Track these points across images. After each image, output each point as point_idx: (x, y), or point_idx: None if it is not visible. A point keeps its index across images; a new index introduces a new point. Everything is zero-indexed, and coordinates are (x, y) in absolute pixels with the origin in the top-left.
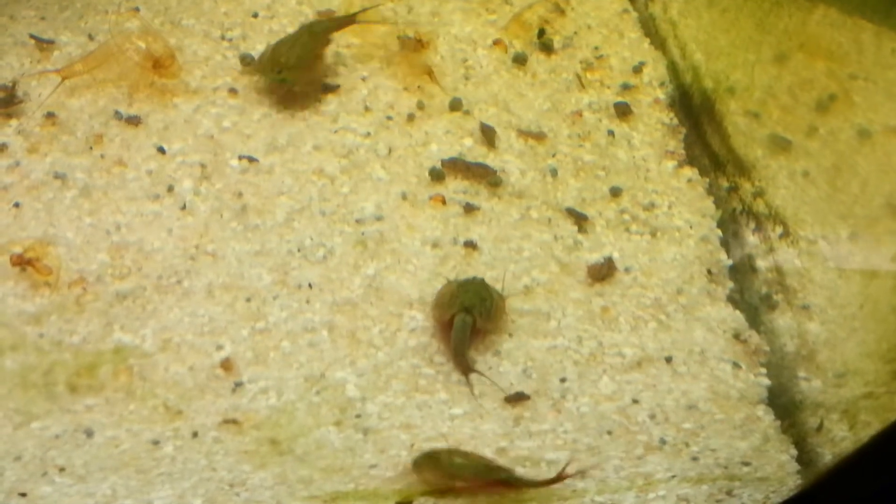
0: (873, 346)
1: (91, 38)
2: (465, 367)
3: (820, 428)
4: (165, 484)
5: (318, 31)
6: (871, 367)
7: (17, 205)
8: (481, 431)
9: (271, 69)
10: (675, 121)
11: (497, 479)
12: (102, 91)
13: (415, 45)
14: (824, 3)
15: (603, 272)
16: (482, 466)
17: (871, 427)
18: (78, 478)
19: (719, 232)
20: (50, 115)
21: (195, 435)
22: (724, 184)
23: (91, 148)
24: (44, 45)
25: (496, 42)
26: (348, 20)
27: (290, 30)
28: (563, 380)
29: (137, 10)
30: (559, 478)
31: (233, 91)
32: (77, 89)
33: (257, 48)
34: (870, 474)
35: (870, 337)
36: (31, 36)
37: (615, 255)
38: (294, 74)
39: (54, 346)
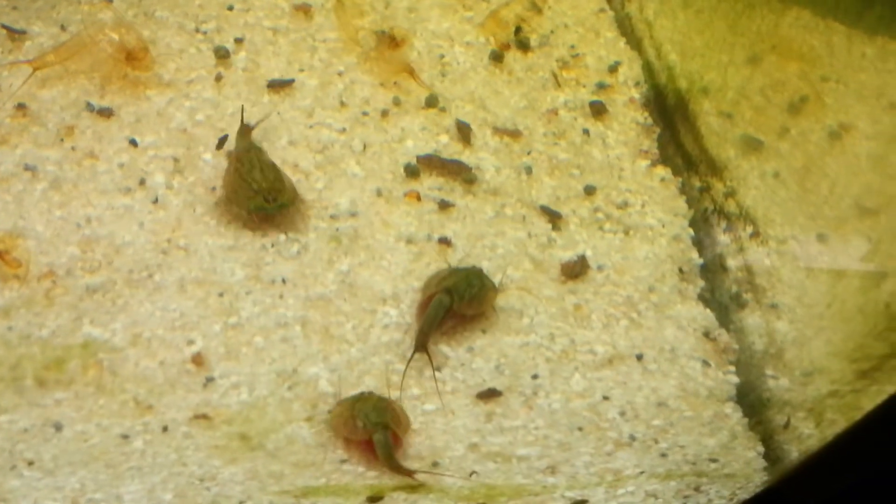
0: (840, 345)
1: (63, 28)
2: (422, 344)
3: (787, 426)
4: (135, 478)
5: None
6: (837, 365)
7: None
8: (453, 427)
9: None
10: (650, 120)
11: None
12: (74, 83)
13: (389, 42)
14: (797, 6)
15: (576, 270)
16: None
17: (836, 425)
18: (47, 472)
19: (691, 231)
20: (21, 107)
21: (165, 430)
22: (697, 183)
23: (62, 140)
24: (15, 35)
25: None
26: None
27: (267, 24)
28: (535, 377)
29: (110, 1)
30: (408, 473)
31: (207, 83)
32: (49, 80)
33: (231, 41)
34: (835, 471)
35: (836, 336)
36: (3, 26)
37: (588, 253)
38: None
39: (23, 339)
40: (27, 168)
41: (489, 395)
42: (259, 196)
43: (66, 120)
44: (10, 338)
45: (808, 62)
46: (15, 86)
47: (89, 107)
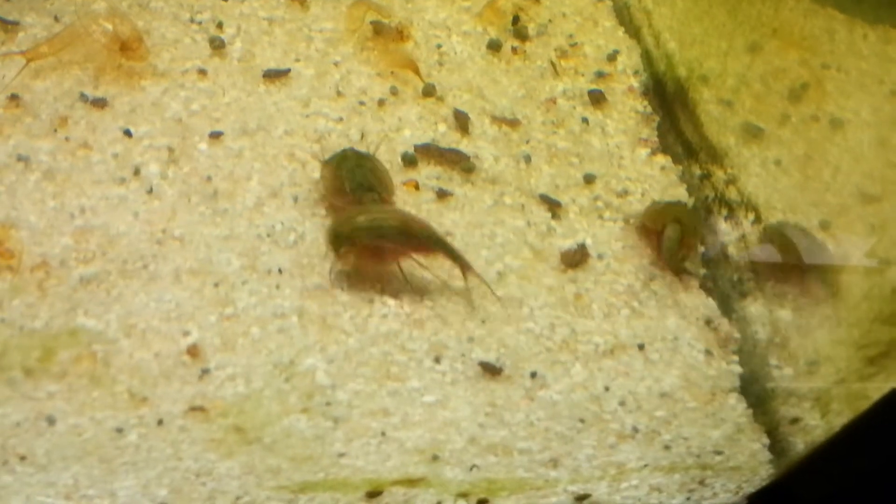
0: (845, 333)
1: (57, 19)
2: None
3: (796, 422)
4: (129, 473)
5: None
6: (843, 354)
7: None
8: (454, 418)
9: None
10: (649, 109)
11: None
12: (68, 73)
13: (395, 34)
14: None
15: (576, 258)
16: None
17: (843, 416)
18: (39, 467)
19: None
20: (14, 97)
21: (160, 423)
22: (697, 171)
23: (55, 130)
24: (8, 26)
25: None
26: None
27: (262, 14)
28: (535, 368)
29: None
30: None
31: (202, 73)
32: (42, 71)
33: (227, 31)
34: (842, 463)
35: (841, 324)
36: None
37: (588, 242)
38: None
39: (16, 330)
40: (20, 159)
41: (491, 370)
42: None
43: (60, 111)
44: (2, 329)
45: (809, 49)
46: (8, 77)
47: (83, 97)
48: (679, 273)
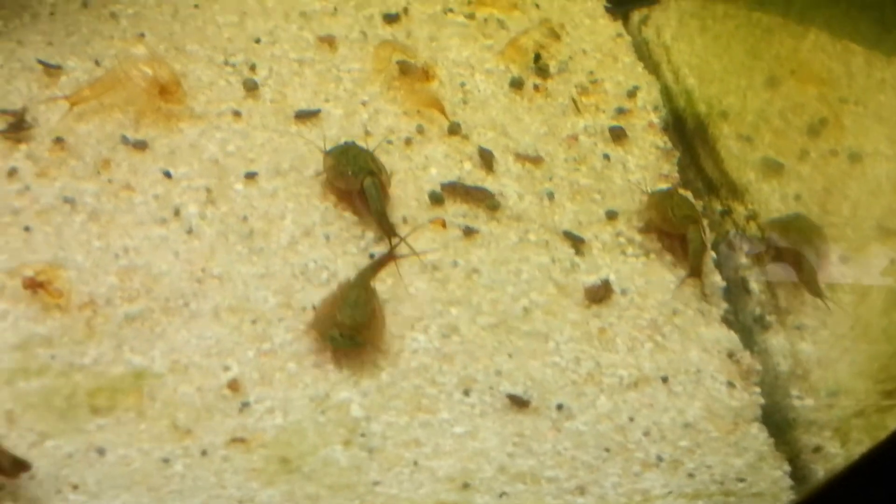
0: (865, 365)
1: (97, 63)
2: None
3: (818, 450)
4: (176, 501)
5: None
6: (862, 386)
7: (27, 229)
8: (484, 448)
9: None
10: (669, 144)
11: None
12: (110, 116)
13: (421, 74)
14: (816, 28)
15: (600, 294)
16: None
17: (862, 444)
18: (91, 495)
19: (713, 254)
20: (58, 140)
21: (204, 453)
22: (718, 207)
23: (99, 172)
24: (51, 70)
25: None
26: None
27: (293, 55)
28: (561, 400)
29: (143, 35)
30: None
31: (237, 114)
32: (85, 115)
33: (260, 73)
34: (861, 490)
35: (861, 357)
36: (39, 61)
37: (612, 278)
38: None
39: (66, 367)
40: (66, 200)
41: (518, 402)
42: (336, 330)
43: (103, 153)
44: (53, 366)
45: (827, 85)
46: (52, 120)
47: (124, 140)
48: (701, 275)
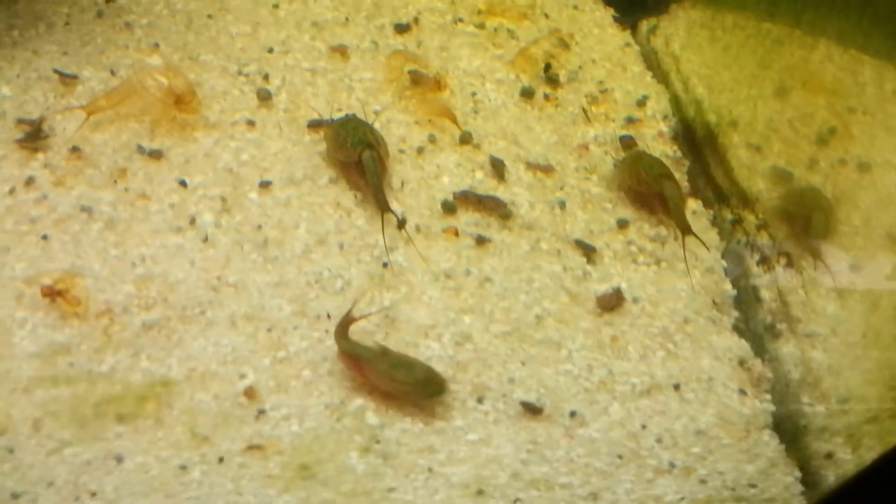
0: (876, 372)
1: (113, 73)
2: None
3: (829, 456)
4: None
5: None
6: (874, 392)
7: (45, 237)
8: (497, 455)
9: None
10: (679, 153)
11: None
12: (125, 126)
13: (432, 84)
14: (826, 39)
15: (612, 302)
16: None
17: (874, 451)
18: (109, 502)
19: (724, 263)
20: (75, 150)
21: (221, 460)
22: (728, 216)
23: (115, 181)
24: (67, 79)
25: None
26: None
27: (305, 65)
28: (574, 407)
29: (157, 45)
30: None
31: (250, 124)
32: (101, 124)
33: (273, 83)
34: (872, 495)
35: (872, 364)
36: (55, 71)
37: (623, 286)
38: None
39: (84, 375)
40: (83, 209)
41: (532, 410)
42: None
43: (119, 162)
44: (71, 374)
45: (837, 95)
46: (69, 130)
47: (140, 149)
48: (691, 232)
